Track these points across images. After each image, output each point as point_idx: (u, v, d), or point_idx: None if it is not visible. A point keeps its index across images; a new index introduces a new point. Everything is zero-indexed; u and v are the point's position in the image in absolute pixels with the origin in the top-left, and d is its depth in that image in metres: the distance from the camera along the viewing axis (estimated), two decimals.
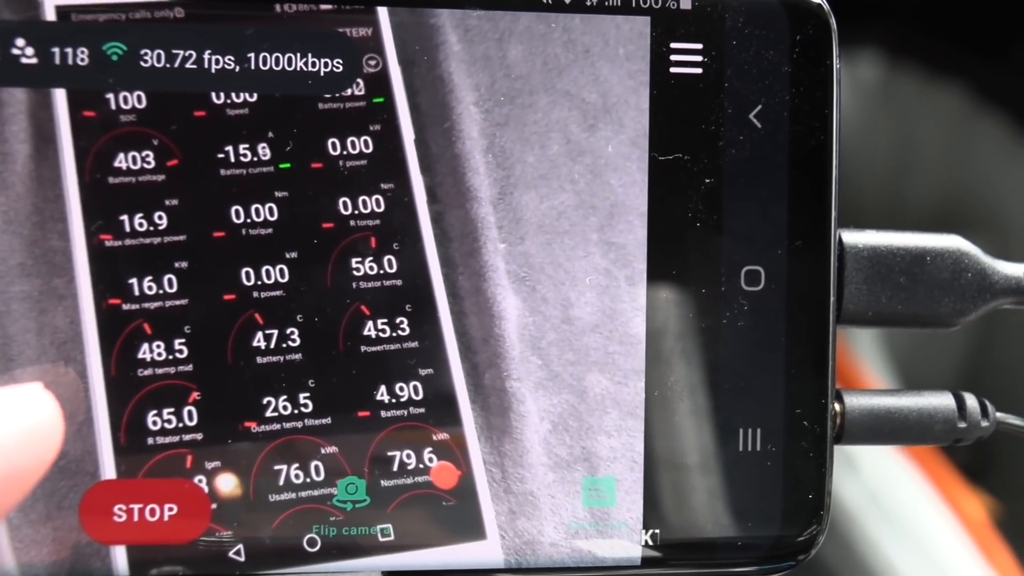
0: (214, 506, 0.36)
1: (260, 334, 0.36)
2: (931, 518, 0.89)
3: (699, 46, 0.38)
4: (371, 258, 0.37)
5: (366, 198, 0.37)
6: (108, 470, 0.35)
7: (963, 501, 0.90)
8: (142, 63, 0.36)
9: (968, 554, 0.86)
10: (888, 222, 1.15)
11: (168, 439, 0.36)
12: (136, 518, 0.36)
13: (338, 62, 0.37)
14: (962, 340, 1.14)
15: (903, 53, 1.17)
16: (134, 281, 0.36)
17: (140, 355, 0.36)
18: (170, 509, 0.36)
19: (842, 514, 0.90)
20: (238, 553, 0.36)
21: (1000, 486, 1.04)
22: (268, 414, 0.36)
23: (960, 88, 1.13)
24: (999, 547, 0.87)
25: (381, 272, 0.37)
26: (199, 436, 0.36)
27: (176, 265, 0.36)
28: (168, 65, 0.36)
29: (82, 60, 0.35)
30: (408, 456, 0.37)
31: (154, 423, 0.36)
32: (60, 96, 0.35)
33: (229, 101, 0.36)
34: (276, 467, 0.36)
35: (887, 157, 1.19)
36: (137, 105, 0.36)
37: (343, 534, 0.37)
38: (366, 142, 0.37)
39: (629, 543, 0.38)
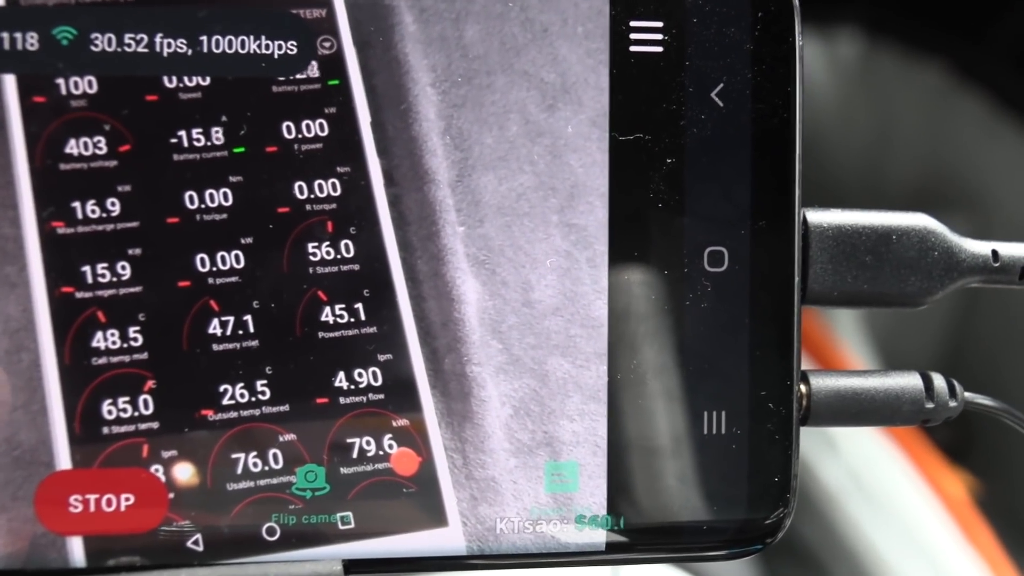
0: (171, 495, 0.36)
1: (216, 321, 0.36)
2: (912, 498, 0.89)
3: (659, 24, 0.37)
4: (328, 243, 0.36)
5: (322, 182, 0.36)
6: (63, 460, 0.35)
7: (944, 480, 0.90)
8: (92, 47, 0.35)
9: (949, 533, 0.86)
10: (868, 200, 1.16)
11: (124, 428, 0.35)
12: (92, 508, 0.35)
13: (292, 44, 0.36)
14: (942, 319, 1.14)
15: (882, 31, 1.16)
16: (87, 269, 0.35)
17: (94, 343, 0.35)
18: (127, 499, 0.35)
19: (822, 494, 0.90)
20: (196, 543, 0.36)
21: (981, 465, 1.04)
22: (225, 402, 0.36)
23: (940, 66, 1.13)
24: (980, 526, 0.87)
25: (338, 257, 0.36)
26: (155, 425, 0.35)
27: (129, 252, 0.35)
28: (119, 49, 0.35)
29: (31, 45, 0.35)
30: (368, 443, 0.37)
31: (109, 412, 0.35)
32: (9, 81, 0.35)
33: (182, 85, 0.36)
34: (234, 455, 0.36)
35: (867, 135, 1.19)
36: (88, 90, 0.35)
37: (302, 522, 0.36)
38: (321, 125, 0.36)
39: (593, 528, 0.38)
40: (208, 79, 0.36)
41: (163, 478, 0.35)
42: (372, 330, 0.37)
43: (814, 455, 0.92)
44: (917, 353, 1.13)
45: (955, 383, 0.40)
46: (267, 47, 0.36)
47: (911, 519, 0.88)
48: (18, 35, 0.35)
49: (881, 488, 0.90)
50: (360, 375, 0.37)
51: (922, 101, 1.15)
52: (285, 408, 0.36)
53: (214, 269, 0.36)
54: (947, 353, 1.15)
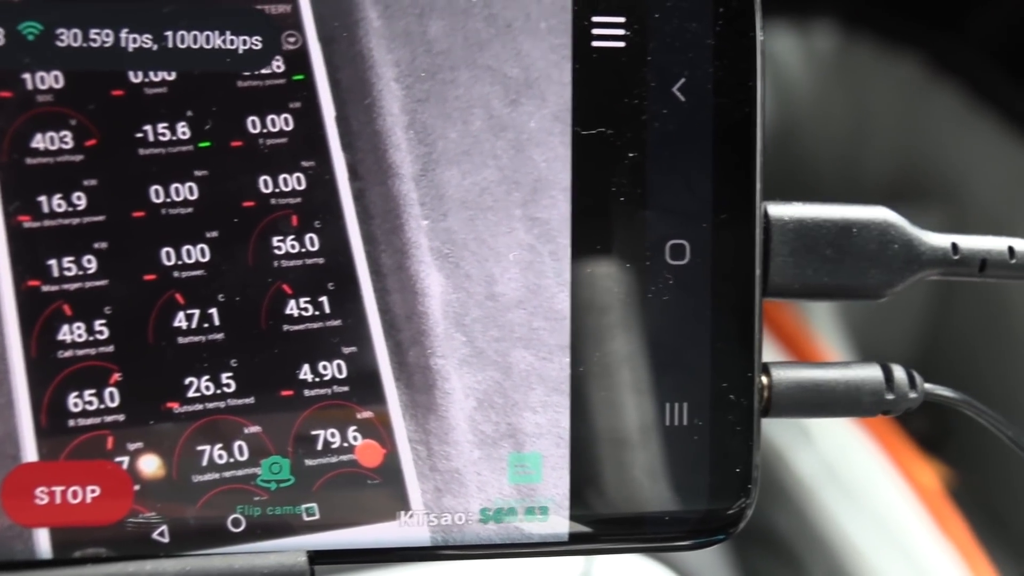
0: (137, 487, 0.36)
1: (181, 314, 0.36)
2: (885, 487, 0.90)
3: (622, 19, 0.38)
4: (292, 236, 0.37)
5: (287, 176, 0.37)
6: (29, 453, 0.35)
7: (917, 470, 0.91)
8: (58, 43, 0.35)
9: (921, 523, 0.87)
10: (845, 192, 1.16)
11: (89, 421, 0.36)
12: (58, 500, 0.35)
13: (257, 39, 0.36)
14: (918, 312, 1.14)
15: (858, 23, 1.17)
16: (53, 262, 0.35)
17: (60, 336, 0.35)
18: (92, 491, 0.36)
19: (796, 484, 0.91)
20: (162, 534, 0.36)
21: (955, 456, 1.05)
22: (190, 394, 0.36)
23: (915, 58, 1.14)
24: (952, 516, 0.88)
25: (303, 250, 0.37)
26: (121, 417, 0.36)
27: (95, 246, 0.36)
28: (85, 44, 0.35)
29: None
30: (332, 435, 0.37)
31: (75, 405, 0.35)
32: None
33: (147, 80, 0.36)
34: (199, 448, 0.36)
35: (843, 127, 1.19)
36: (54, 85, 0.35)
37: (267, 514, 0.36)
38: (286, 120, 0.37)
39: (557, 519, 0.38)
40: (173, 74, 0.36)
41: (129, 470, 0.36)
42: (337, 323, 0.37)
43: (788, 445, 0.93)
44: (892, 346, 1.14)
45: (915, 374, 0.40)
46: (232, 42, 0.36)
47: (885, 509, 0.89)
48: None
49: (855, 478, 0.91)
50: (325, 368, 0.37)
51: (898, 93, 1.16)
52: (250, 400, 0.36)
53: (179, 263, 0.36)
54: (922, 345, 1.15)
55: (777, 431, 0.93)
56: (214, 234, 0.36)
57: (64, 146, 0.35)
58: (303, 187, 0.37)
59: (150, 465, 0.36)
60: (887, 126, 1.17)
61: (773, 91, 1.16)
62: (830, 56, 1.17)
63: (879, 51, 1.15)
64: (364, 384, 0.37)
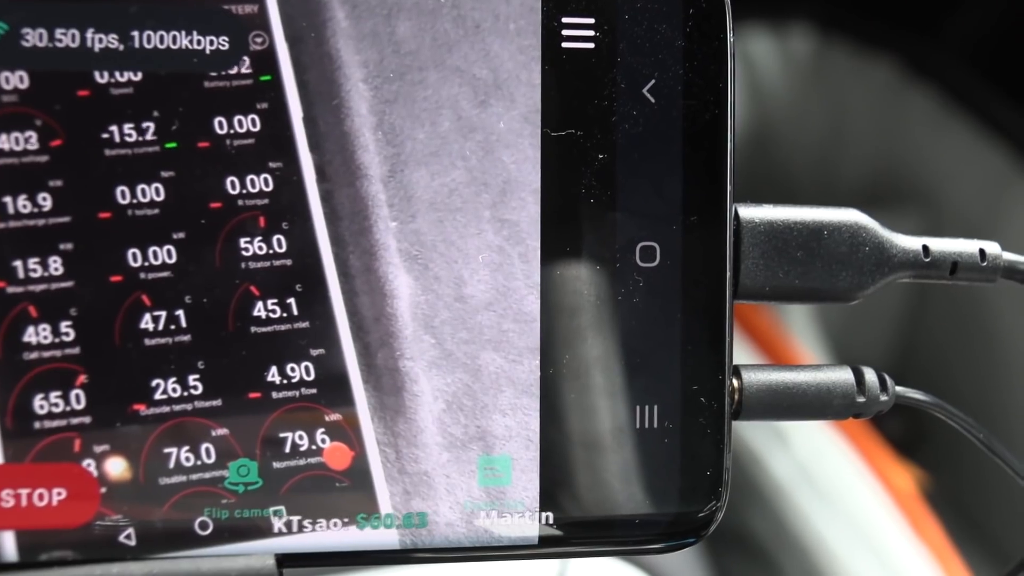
0: (103, 490, 0.36)
1: (148, 316, 0.36)
2: (861, 491, 0.90)
3: (591, 20, 0.37)
4: (260, 238, 0.36)
5: (254, 177, 0.36)
6: None
7: (892, 474, 0.91)
8: (24, 43, 0.35)
9: (897, 526, 0.87)
10: (821, 195, 1.16)
11: (56, 423, 0.35)
12: (24, 503, 0.35)
13: (224, 40, 0.36)
14: (895, 315, 1.15)
15: (834, 27, 1.17)
16: (19, 263, 0.35)
17: (26, 338, 0.35)
18: (59, 494, 0.35)
19: (772, 487, 0.91)
20: (129, 537, 0.36)
21: (930, 458, 1.05)
22: (157, 396, 0.36)
23: (891, 62, 1.14)
24: (927, 519, 0.88)
25: (270, 252, 0.36)
26: (87, 419, 0.35)
27: (61, 247, 0.35)
28: (50, 44, 0.35)
29: None
30: (300, 437, 0.37)
31: (41, 407, 0.35)
32: None
33: (113, 80, 0.36)
34: (166, 450, 0.36)
35: (820, 131, 1.20)
36: (19, 85, 0.35)
37: (235, 517, 0.36)
38: (253, 120, 0.36)
39: (526, 522, 0.38)
40: (140, 74, 0.36)
41: (95, 472, 0.36)
42: (304, 325, 0.37)
43: (764, 448, 0.93)
44: (868, 349, 1.14)
45: (886, 377, 0.40)
46: (199, 42, 0.36)
47: (860, 512, 0.89)
48: None
49: (830, 481, 0.91)
50: (292, 370, 0.37)
51: (874, 96, 1.16)
52: (217, 403, 0.36)
53: (146, 264, 0.36)
54: (897, 348, 1.15)
55: (753, 434, 0.93)
56: (181, 235, 0.36)
57: (29, 147, 0.35)
58: (270, 188, 0.36)
59: (117, 467, 0.36)
60: (863, 129, 1.17)
61: (749, 94, 1.16)
62: (806, 59, 1.17)
63: (855, 54, 1.15)
64: (332, 386, 0.37)
